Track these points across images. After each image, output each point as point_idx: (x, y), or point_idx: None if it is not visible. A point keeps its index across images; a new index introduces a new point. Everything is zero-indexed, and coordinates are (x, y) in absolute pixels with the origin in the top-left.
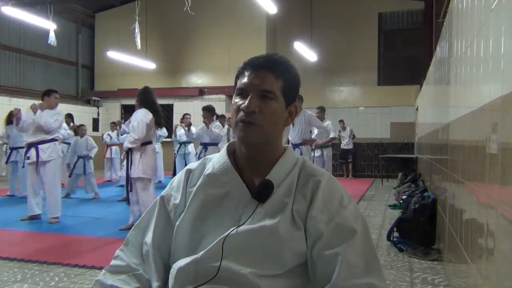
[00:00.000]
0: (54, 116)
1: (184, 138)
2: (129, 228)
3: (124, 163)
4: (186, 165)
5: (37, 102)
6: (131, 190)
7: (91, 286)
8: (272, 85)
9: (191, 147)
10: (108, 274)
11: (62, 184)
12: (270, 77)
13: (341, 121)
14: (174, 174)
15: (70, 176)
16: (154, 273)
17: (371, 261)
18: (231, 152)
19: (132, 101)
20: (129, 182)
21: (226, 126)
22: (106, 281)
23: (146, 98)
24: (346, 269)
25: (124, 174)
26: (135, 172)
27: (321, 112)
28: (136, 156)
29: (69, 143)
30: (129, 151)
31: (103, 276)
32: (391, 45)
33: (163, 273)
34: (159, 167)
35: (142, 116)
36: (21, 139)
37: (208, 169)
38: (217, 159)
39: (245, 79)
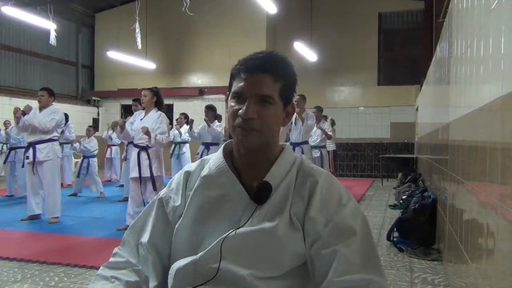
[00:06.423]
0: (50, 115)
1: (179, 139)
2: None
3: (131, 163)
4: (180, 165)
5: (35, 102)
6: (155, 189)
7: (92, 281)
8: (270, 89)
9: (185, 148)
10: (107, 269)
11: (62, 184)
12: (268, 80)
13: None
14: None
15: (78, 176)
16: (151, 273)
17: (371, 258)
18: (227, 153)
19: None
20: (149, 182)
21: (224, 126)
22: (106, 274)
23: (161, 99)
24: (342, 265)
25: (137, 175)
26: (157, 171)
27: (318, 111)
28: (156, 156)
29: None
30: (143, 151)
31: (102, 271)
32: (391, 45)
33: (161, 273)
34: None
35: (166, 119)
36: (22, 140)
37: (205, 170)
38: (214, 160)
39: (241, 83)
